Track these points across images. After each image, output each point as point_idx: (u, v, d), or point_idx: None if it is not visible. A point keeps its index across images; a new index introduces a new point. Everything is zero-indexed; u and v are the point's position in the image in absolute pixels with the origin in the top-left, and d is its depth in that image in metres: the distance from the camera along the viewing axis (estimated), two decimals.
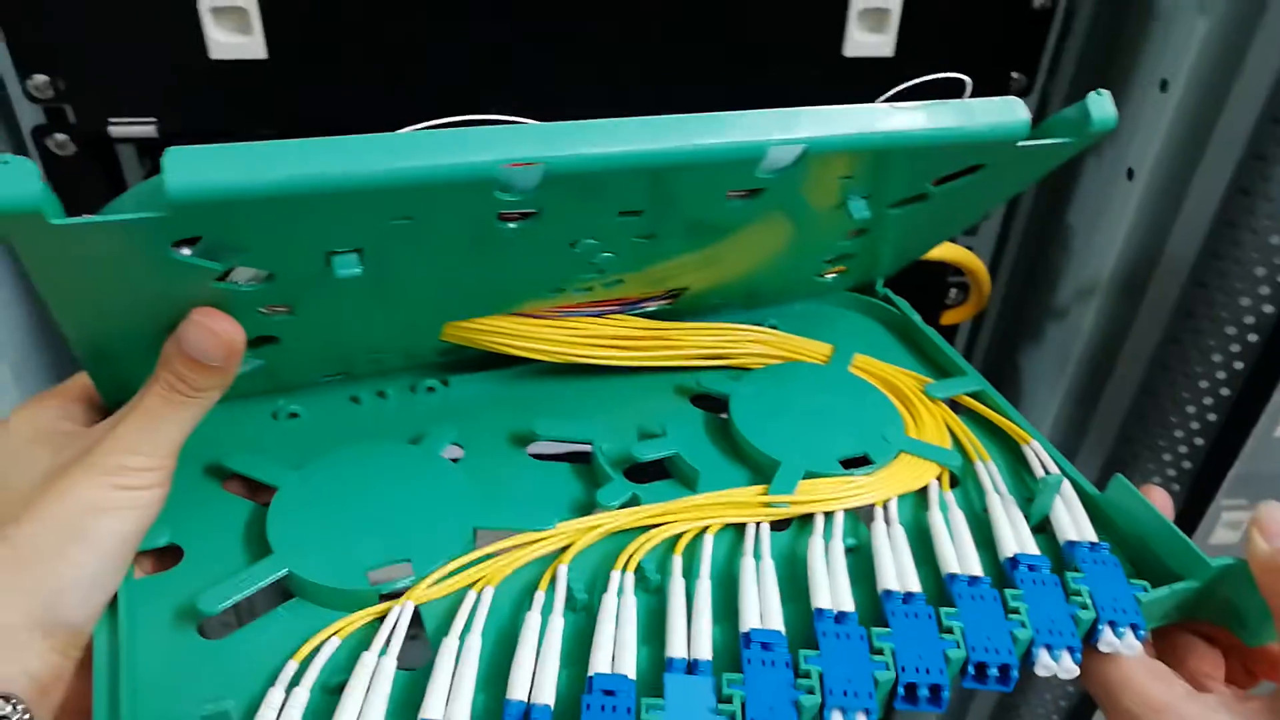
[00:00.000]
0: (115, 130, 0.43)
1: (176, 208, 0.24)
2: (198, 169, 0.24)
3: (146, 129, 0.43)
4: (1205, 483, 0.52)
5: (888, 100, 0.33)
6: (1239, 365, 0.49)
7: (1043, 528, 0.35)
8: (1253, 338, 0.48)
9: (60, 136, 0.44)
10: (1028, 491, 0.37)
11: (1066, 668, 0.29)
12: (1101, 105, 0.34)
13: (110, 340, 0.31)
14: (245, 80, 0.42)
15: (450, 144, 0.26)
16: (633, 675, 0.27)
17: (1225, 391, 0.50)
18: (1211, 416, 0.51)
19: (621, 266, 0.36)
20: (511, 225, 0.30)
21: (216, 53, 0.41)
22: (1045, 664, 0.29)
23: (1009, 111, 0.33)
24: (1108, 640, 0.30)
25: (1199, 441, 0.52)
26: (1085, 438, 0.60)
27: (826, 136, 0.31)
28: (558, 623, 0.29)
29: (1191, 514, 0.53)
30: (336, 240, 0.29)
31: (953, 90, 0.44)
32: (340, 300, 0.32)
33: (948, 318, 0.59)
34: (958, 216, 0.44)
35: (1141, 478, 0.55)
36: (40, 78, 0.41)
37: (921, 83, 0.39)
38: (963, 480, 0.38)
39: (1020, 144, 0.34)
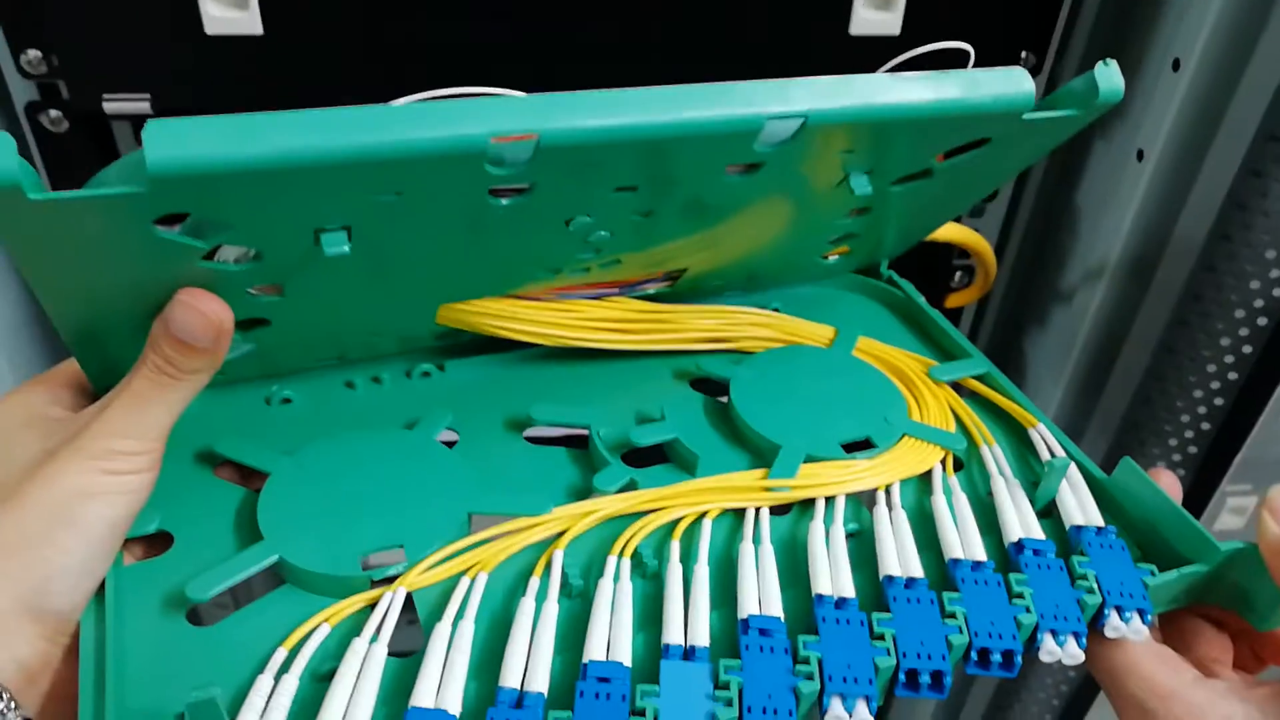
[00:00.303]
0: (109, 106, 0.42)
1: (157, 182, 0.23)
2: (179, 142, 0.23)
3: (141, 105, 0.42)
4: (1211, 468, 0.52)
5: (889, 71, 0.32)
6: (1247, 349, 0.48)
7: (1048, 512, 0.35)
8: (1262, 321, 0.47)
9: (54, 113, 0.43)
10: (1033, 475, 0.36)
11: (1072, 653, 0.29)
12: (1109, 76, 0.33)
13: (96, 323, 0.30)
14: (241, 56, 0.42)
15: (438, 116, 0.25)
16: (628, 662, 0.27)
17: (1233, 376, 0.49)
18: (1218, 401, 0.51)
19: (619, 246, 0.36)
20: (504, 201, 0.30)
21: (212, 28, 0.41)
22: (1050, 649, 0.29)
23: (1013, 82, 0.32)
24: (1114, 625, 0.29)
25: (1205, 426, 0.52)
26: (1090, 422, 0.60)
27: (826, 108, 0.30)
28: (552, 609, 0.29)
29: (1197, 499, 0.52)
30: (324, 217, 0.28)
31: (956, 63, 0.43)
32: (331, 280, 0.32)
33: (953, 300, 0.59)
34: (963, 194, 0.43)
35: (1147, 462, 0.55)
36: (33, 53, 0.41)
37: (923, 54, 0.38)
38: (967, 464, 0.37)
39: (1026, 116, 0.33)
